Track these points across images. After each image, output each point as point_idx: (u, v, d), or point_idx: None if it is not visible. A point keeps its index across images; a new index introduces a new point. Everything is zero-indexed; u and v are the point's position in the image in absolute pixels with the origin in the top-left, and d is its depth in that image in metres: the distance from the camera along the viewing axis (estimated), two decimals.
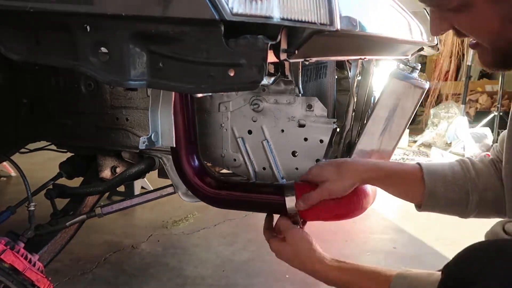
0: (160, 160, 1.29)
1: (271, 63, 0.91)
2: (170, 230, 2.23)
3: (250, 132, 1.18)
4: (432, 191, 0.98)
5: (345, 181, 0.99)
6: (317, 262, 0.97)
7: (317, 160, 1.13)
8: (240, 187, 1.15)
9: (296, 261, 1.01)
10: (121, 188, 2.48)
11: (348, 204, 1.04)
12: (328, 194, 1.00)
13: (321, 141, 1.12)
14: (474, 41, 0.80)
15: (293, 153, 1.15)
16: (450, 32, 0.81)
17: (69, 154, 1.49)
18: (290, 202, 1.03)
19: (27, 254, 1.05)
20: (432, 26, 0.81)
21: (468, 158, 1.04)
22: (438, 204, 0.99)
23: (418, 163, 1.02)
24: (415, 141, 4.65)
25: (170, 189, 1.29)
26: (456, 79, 7.77)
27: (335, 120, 1.12)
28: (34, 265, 1.04)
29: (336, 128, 1.14)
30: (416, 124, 5.01)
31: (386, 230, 2.27)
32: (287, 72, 1.04)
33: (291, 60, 0.76)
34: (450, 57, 4.47)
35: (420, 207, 1.02)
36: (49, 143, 1.48)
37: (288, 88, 1.12)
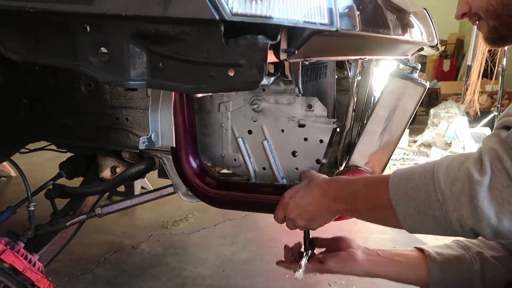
0: (160, 160, 1.29)
1: (271, 63, 0.91)
2: (170, 230, 2.23)
3: (250, 132, 1.18)
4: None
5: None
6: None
7: (317, 161, 1.13)
8: (240, 187, 1.15)
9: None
10: (121, 188, 2.49)
11: None
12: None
13: (321, 141, 1.12)
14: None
15: (293, 153, 1.15)
16: None
17: (69, 154, 1.49)
18: None
19: (27, 254, 1.05)
20: (456, 10, 0.92)
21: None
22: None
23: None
24: (415, 141, 4.65)
25: (170, 189, 1.29)
26: (455, 79, 7.79)
27: (335, 120, 1.12)
28: (34, 265, 1.04)
29: (336, 128, 1.14)
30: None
31: (386, 230, 2.27)
32: (287, 72, 1.04)
33: (291, 60, 0.76)
34: None
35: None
36: (49, 143, 1.48)
37: (288, 88, 1.12)
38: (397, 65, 1.20)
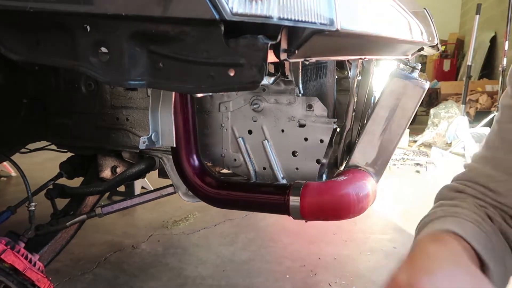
0: (160, 160, 1.29)
1: (271, 63, 0.91)
2: (170, 230, 2.23)
3: (250, 132, 1.18)
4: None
5: None
6: None
7: (317, 161, 1.13)
8: (241, 187, 1.15)
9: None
10: (121, 188, 2.49)
11: (348, 204, 1.04)
12: None
13: (321, 141, 1.12)
14: None
15: (293, 153, 1.15)
16: None
17: (69, 154, 1.49)
18: (295, 202, 1.03)
19: (27, 254, 1.05)
20: None
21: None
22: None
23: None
24: (415, 141, 4.65)
25: (170, 189, 1.29)
26: (456, 79, 7.79)
27: (335, 120, 1.12)
28: (34, 265, 1.04)
29: (336, 128, 1.14)
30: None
31: (386, 230, 2.27)
32: (287, 72, 1.04)
33: (291, 60, 0.76)
34: None
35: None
36: (49, 143, 1.48)
37: (288, 88, 1.12)
38: (397, 65, 1.20)
